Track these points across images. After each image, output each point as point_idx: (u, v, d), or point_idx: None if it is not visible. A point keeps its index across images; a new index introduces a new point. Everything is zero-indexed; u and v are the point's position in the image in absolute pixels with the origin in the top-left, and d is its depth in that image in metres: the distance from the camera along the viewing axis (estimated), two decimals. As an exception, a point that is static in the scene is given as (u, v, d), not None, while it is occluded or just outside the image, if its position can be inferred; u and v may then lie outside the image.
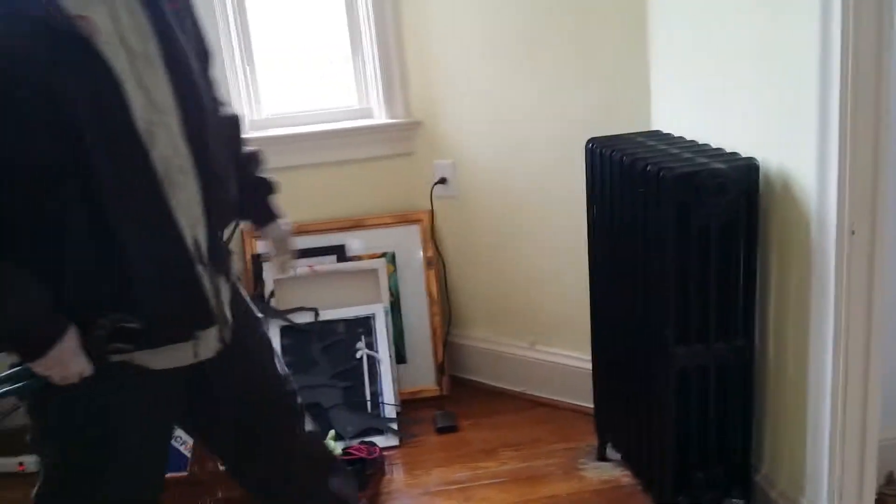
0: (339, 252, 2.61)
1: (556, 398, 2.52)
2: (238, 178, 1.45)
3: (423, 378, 2.64)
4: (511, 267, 2.56)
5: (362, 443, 2.25)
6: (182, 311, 1.27)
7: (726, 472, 1.81)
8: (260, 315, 1.53)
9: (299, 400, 1.56)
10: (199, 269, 1.26)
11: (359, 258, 2.62)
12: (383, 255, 2.64)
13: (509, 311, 2.61)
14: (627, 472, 2.11)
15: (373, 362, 2.51)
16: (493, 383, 2.67)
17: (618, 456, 2.17)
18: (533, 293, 2.52)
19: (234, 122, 1.51)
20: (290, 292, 2.58)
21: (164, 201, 1.19)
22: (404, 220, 2.65)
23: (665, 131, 2.01)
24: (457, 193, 2.61)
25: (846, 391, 1.56)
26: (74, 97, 1.10)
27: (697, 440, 1.80)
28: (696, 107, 1.94)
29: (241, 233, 2.54)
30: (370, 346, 2.54)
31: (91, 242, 1.17)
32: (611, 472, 2.15)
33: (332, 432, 2.27)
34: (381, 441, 2.32)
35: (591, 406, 2.25)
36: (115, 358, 1.24)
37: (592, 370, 2.20)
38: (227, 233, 1.38)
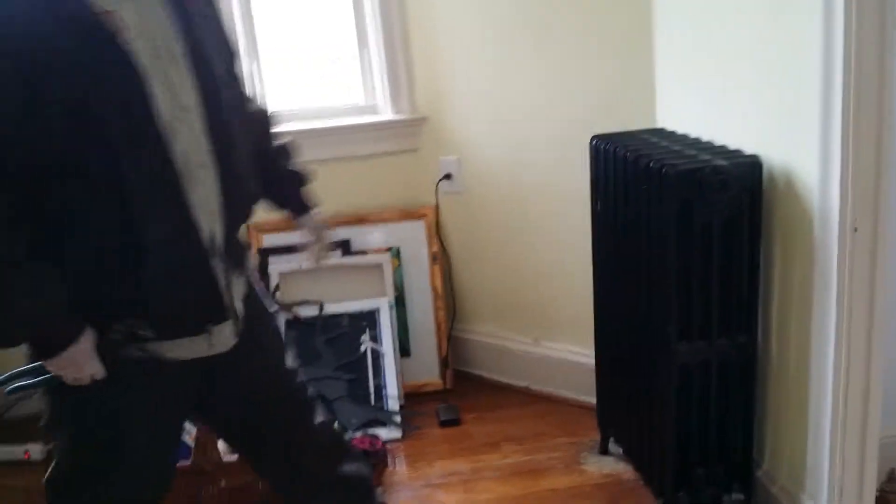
0: (345, 246, 2.62)
1: (559, 393, 2.53)
2: (272, 171, 1.49)
3: (427, 372, 2.65)
4: (516, 262, 2.57)
5: (365, 435, 2.26)
6: (195, 303, 1.28)
7: (727, 468, 1.81)
8: (273, 310, 1.54)
9: (310, 392, 1.57)
10: (214, 262, 1.27)
11: (363, 252, 2.64)
12: (388, 249, 2.65)
13: (514, 307, 2.62)
14: (629, 467, 2.12)
15: (377, 355, 2.53)
16: (496, 378, 2.68)
17: (620, 451, 2.18)
18: (537, 289, 2.53)
19: (264, 117, 1.53)
20: (296, 286, 2.59)
21: (182, 195, 1.20)
22: (410, 215, 2.67)
23: (669, 129, 2.02)
24: (462, 189, 2.62)
25: (847, 388, 1.57)
26: (99, 91, 1.12)
27: (699, 436, 1.80)
28: (700, 104, 1.94)
29: (248, 228, 2.55)
30: (374, 339, 2.55)
31: (108, 237, 1.18)
32: (612, 467, 2.16)
33: (335, 424, 2.28)
34: (384, 433, 2.34)
35: (594, 401, 2.26)
36: (132, 350, 1.26)
37: (595, 365, 2.21)
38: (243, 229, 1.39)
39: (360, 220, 2.64)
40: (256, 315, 1.42)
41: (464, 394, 2.61)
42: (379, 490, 1.74)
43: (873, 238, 1.50)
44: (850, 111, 1.44)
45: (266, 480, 1.63)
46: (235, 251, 1.34)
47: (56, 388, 1.26)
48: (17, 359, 1.28)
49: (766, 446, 1.84)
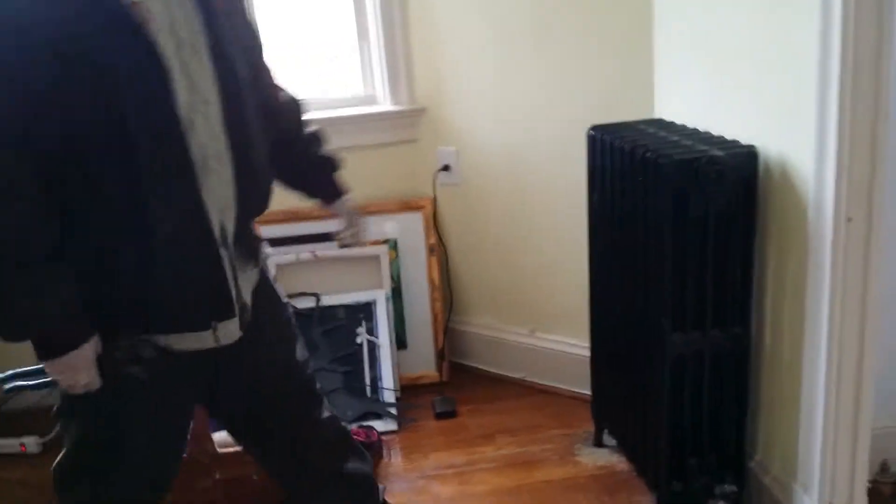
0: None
1: (555, 385, 2.54)
2: (303, 158, 1.52)
3: (424, 364, 2.65)
4: (513, 255, 2.57)
5: (361, 427, 2.27)
6: (202, 296, 1.27)
7: (720, 458, 1.82)
8: (286, 300, 1.52)
9: (318, 385, 1.56)
10: (222, 253, 1.27)
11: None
12: (385, 241, 2.65)
13: (510, 299, 2.62)
14: (623, 459, 2.12)
15: (373, 347, 2.53)
16: (492, 370, 2.68)
17: (614, 442, 2.18)
18: (534, 281, 2.54)
19: (293, 106, 1.54)
20: (293, 277, 2.59)
21: (195, 185, 1.21)
22: (407, 207, 2.66)
23: (668, 119, 2.02)
24: (460, 181, 2.62)
25: (840, 379, 1.57)
26: (122, 80, 1.12)
27: (692, 427, 1.81)
28: (698, 95, 1.94)
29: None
30: (371, 331, 2.56)
31: (116, 227, 1.18)
32: (607, 458, 2.16)
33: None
34: (379, 425, 2.34)
35: (589, 393, 2.26)
36: (145, 350, 1.26)
37: (591, 357, 2.21)
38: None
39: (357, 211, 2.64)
40: (267, 306, 1.42)
41: (460, 386, 2.61)
42: (381, 487, 1.74)
43: (867, 228, 1.50)
44: (846, 102, 1.44)
45: (270, 474, 1.62)
46: (248, 243, 1.34)
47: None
48: (17, 358, 1.28)
49: (759, 437, 1.84)
